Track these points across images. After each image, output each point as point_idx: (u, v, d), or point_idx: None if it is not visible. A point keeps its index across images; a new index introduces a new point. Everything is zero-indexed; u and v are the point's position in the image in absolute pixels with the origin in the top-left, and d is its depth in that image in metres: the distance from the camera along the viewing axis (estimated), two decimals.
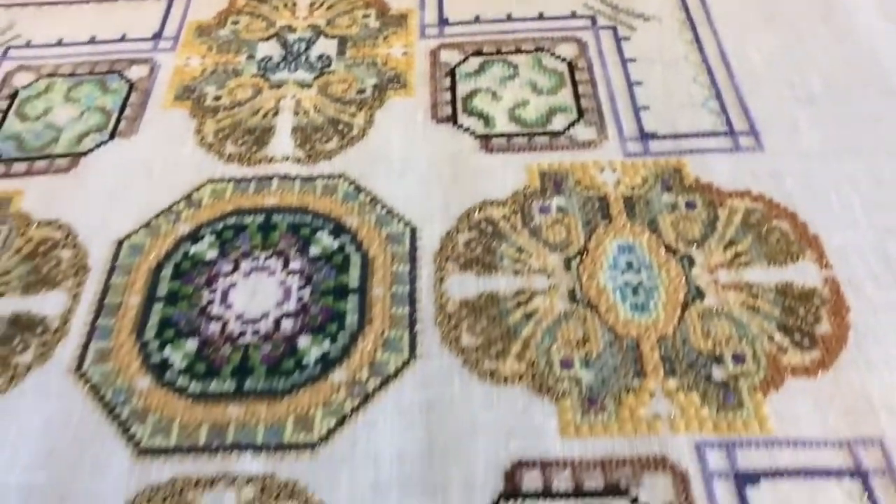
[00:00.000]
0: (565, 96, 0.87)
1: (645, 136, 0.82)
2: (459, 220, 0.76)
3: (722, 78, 0.88)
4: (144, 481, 0.59)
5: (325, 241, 0.75)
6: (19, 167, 0.84)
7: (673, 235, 0.73)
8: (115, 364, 0.66)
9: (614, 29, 0.94)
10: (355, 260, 0.73)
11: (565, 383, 0.63)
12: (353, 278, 0.72)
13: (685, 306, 0.68)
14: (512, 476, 0.58)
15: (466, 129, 0.84)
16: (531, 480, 0.58)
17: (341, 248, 0.74)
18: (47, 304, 0.71)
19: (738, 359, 0.64)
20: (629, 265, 0.71)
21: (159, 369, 0.66)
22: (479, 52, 0.93)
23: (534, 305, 0.69)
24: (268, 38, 0.97)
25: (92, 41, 0.98)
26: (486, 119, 0.85)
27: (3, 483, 0.60)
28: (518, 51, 0.93)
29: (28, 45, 0.98)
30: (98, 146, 0.85)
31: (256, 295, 0.71)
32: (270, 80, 0.92)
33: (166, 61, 0.95)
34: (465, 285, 0.71)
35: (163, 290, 0.72)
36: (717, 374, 0.63)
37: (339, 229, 0.76)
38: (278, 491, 0.58)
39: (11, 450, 0.62)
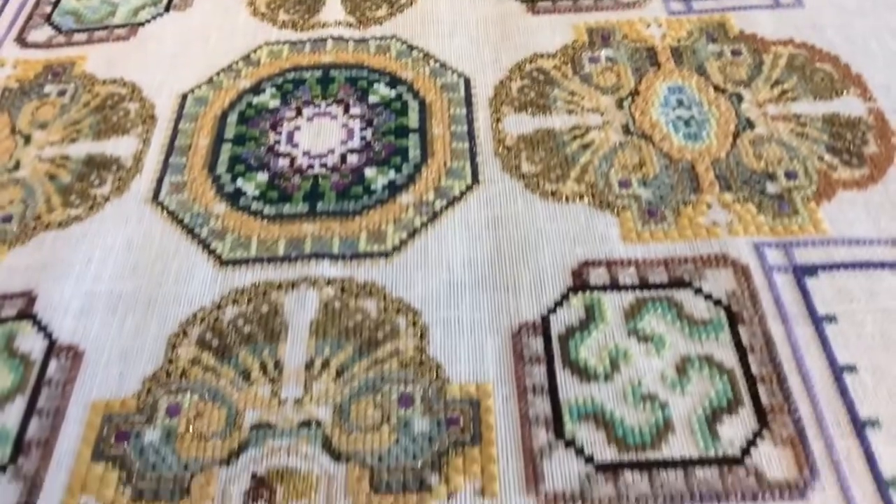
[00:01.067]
0: None
1: None
2: (511, 70, 0.78)
3: None
4: (229, 286, 0.62)
5: (382, 90, 0.77)
6: (80, 37, 0.86)
7: (720, 77, 0.75)
8: (190, 194, 0.69)
9: None
10: (413, 105, 0.76)
11: (625, 200, 0.66)
12: (412, 120, 0.74)
13: (736, 135, 0.70)
14: (579, 273, 0.61)
15: None
16: (598, 277, 0.61)
17: (399, 97, 0.77)
18: (119, 147, 0.74)
19: (791, 175, 0.67)
20: (680, 102, 0.73)
21: (233, 197, 0.69)
22: None
23: (589, 138, 0.71)
24: None
25: None
26: None
27: (91, 291, 0.62)
28: None
29: None
30: (154, 18, 0.88)
31: (321, 135, 0.74)
32: None
33: None
34: (521, 124, 0.73)
35: (230, 133, 0.74)
36: (771, 188, 0.66)
37: (395, 81, 0.78)
38: (357, 291, 0.61)
39: (97, 265, 0.64)
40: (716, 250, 0.62)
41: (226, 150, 0.72)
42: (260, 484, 0.51)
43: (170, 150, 0.73)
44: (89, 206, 0.69)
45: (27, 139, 0.74)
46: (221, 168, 0.71)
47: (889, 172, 0.66)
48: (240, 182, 0.70)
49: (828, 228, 0.63)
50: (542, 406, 0.54)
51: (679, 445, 0.51)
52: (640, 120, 0.72)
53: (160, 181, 0.70)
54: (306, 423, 0.53)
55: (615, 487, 0.49)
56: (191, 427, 0.54)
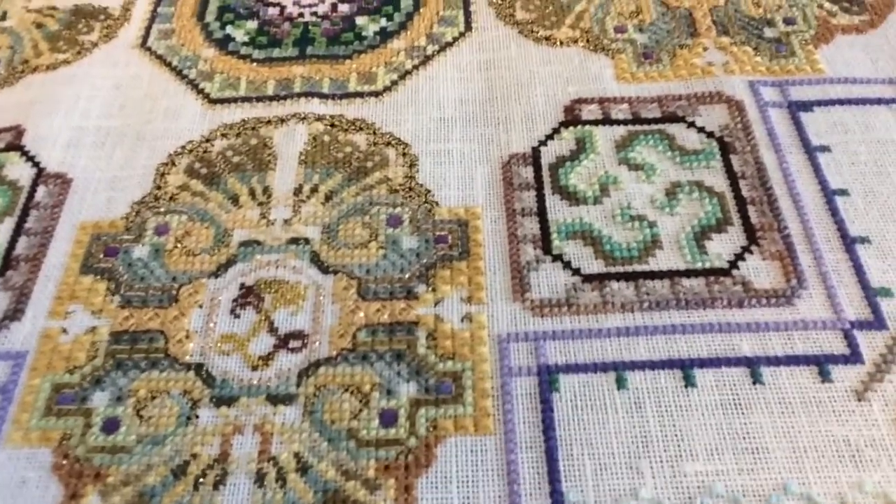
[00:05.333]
0: None
1: None
2: None
3: None
4: (217, 122, 0.62)
5: None
6: None
7: None
8: (178, 40, 0.68)
9: None
10: None
11: (620, 44, 0.65)
12: None
13: None
14: (571, 109, 0.60)
15: None
16: (590, 112, 0.60)
17: None
18: None
19: (789, 21, 0.65)
20: None
21: (223, 43, 0.68)
22: None
23: None
24: None
25: None
26: None
27: (80, 126, 0.62)
28: None
29: None
30: None
31: None
32: None
33: None
34: None
35: None
36: (769, 32, 0.65)
37: None
38: (347, 126, 0.60)
39: (85, 102, 0.64)
40: (710, 88, 0.61)
41: (214, 1, 0.71)
42: (248, 292, 0.51)
43: (158, 0, 0.71)
44: (77, 51, 0.68)
45: None
46: (210, 17, 0.70)
47: (889, 18, 0.65)
48: (229, 29, 0.69)
49: (825, 69, 0.62)
50: (530, 226, 0.53)
51: (666, 259, 0.51)
52: None
53: (148, 29, 0.69)
54: (294, 241, 0.53)
55: (601, 295, 0.49)
56: (179, 244, 0.53)
